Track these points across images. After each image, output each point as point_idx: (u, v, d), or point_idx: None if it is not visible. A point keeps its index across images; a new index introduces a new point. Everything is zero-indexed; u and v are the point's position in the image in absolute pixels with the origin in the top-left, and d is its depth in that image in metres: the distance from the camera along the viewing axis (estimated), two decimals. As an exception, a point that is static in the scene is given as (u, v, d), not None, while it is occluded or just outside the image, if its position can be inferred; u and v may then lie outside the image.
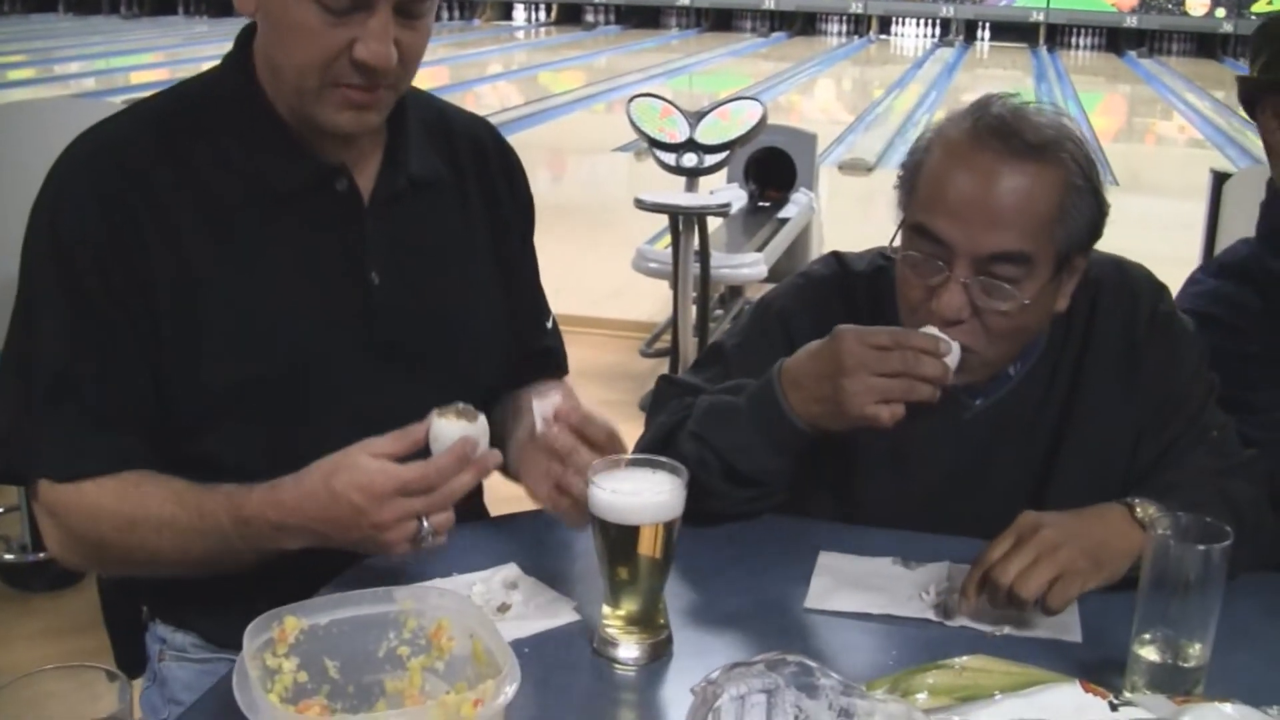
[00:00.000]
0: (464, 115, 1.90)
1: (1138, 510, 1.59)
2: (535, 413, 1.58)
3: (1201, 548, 1.33)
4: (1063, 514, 1.58)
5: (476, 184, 1.83)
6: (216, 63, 1.72)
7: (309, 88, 1.55)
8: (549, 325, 1.97)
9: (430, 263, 1.74)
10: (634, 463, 1.47)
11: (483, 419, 1.48)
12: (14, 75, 17.64)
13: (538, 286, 1.97)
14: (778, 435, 1.66)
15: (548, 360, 1.95)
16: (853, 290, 1.84)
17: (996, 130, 1.62)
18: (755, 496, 1.74)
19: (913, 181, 1.68)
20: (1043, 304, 1.67)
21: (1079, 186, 1.64)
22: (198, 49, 22.09)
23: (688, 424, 1.73)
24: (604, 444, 1.53)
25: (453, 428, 1.46)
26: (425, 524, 1.45)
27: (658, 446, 1.71)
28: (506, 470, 1.71)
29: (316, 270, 1.65)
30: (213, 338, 1.59)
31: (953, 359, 1.58)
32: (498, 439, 1.61)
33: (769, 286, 5.81)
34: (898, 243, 1.70)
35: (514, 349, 1.87)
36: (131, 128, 1.64)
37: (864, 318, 1.67)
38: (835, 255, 1.91)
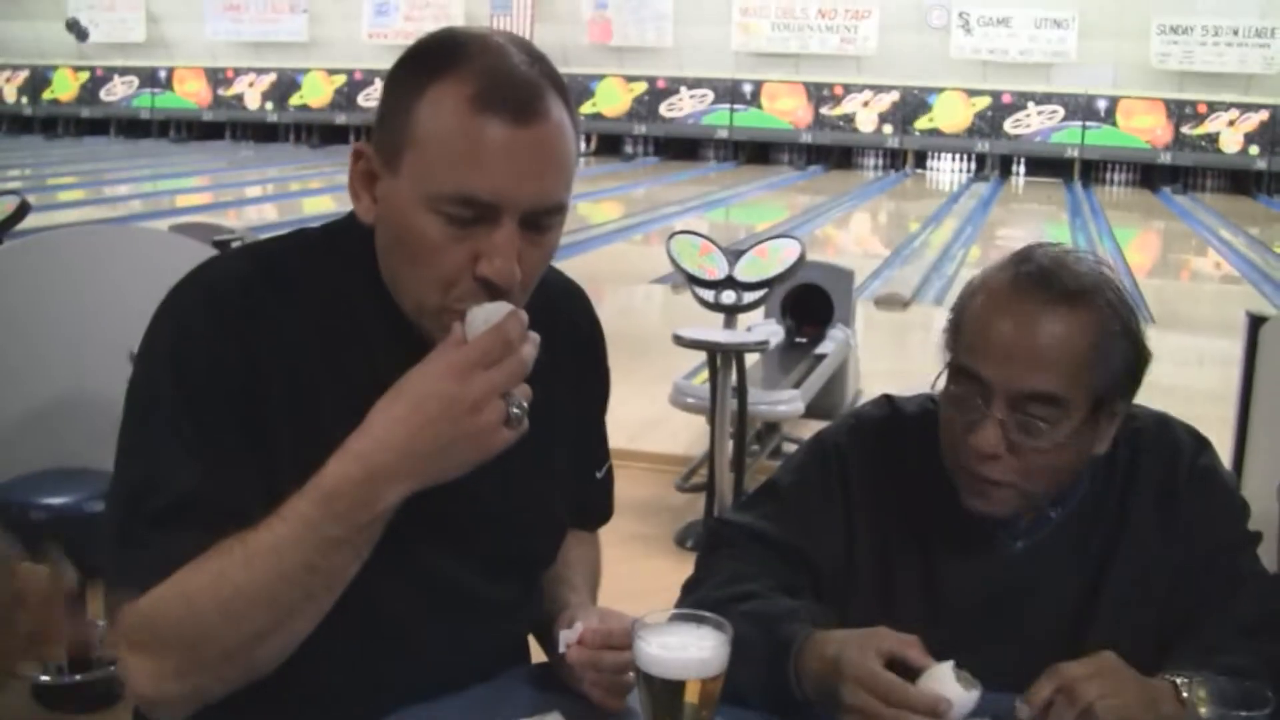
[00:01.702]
0: (563, 291, 1.82)
1: (1183, 692, 1.56)
2: (560, 641, 1.60)
3: (1245, 714, 1.32)
4: (1104, 667, 1.57)
5: (569, 367, 1.76)
6: (328, 218, 1.65)
7: (428, 306, 1.48)
8: (600, 474, 1.89)
9: (518, 444, 1.55)
10: (679, 617, 1.48)
11: (514, 306, 1.44)
12: (65, 196, 17.93)
13: (599, 439, 1.89)
14: (783, 696, 1.64)
15: (586, 514, 1.90)
16: (903, 432, 1.87)
17: (1037, 278, 1.68)
18: None
19: (958, 325, 1.74)
20: (1078, 445, 1.70)
21: (1115, 332, 1.68)
22: (243, 173, 22.50)
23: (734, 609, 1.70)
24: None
25: (496, 308, 1.43)
26: (512, 402, 1.41)
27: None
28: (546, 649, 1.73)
29: None
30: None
31: (957, 713, 1.50)
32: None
33: (807, 423, 5.87)
34: (942, 384, 1.75)
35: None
36: (257, 269, 1.56)
37: (914, 459, 1.76)
38: (887, 398, 1.94)
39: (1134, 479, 1.81)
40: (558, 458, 1.73)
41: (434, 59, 1.47)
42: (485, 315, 1.41)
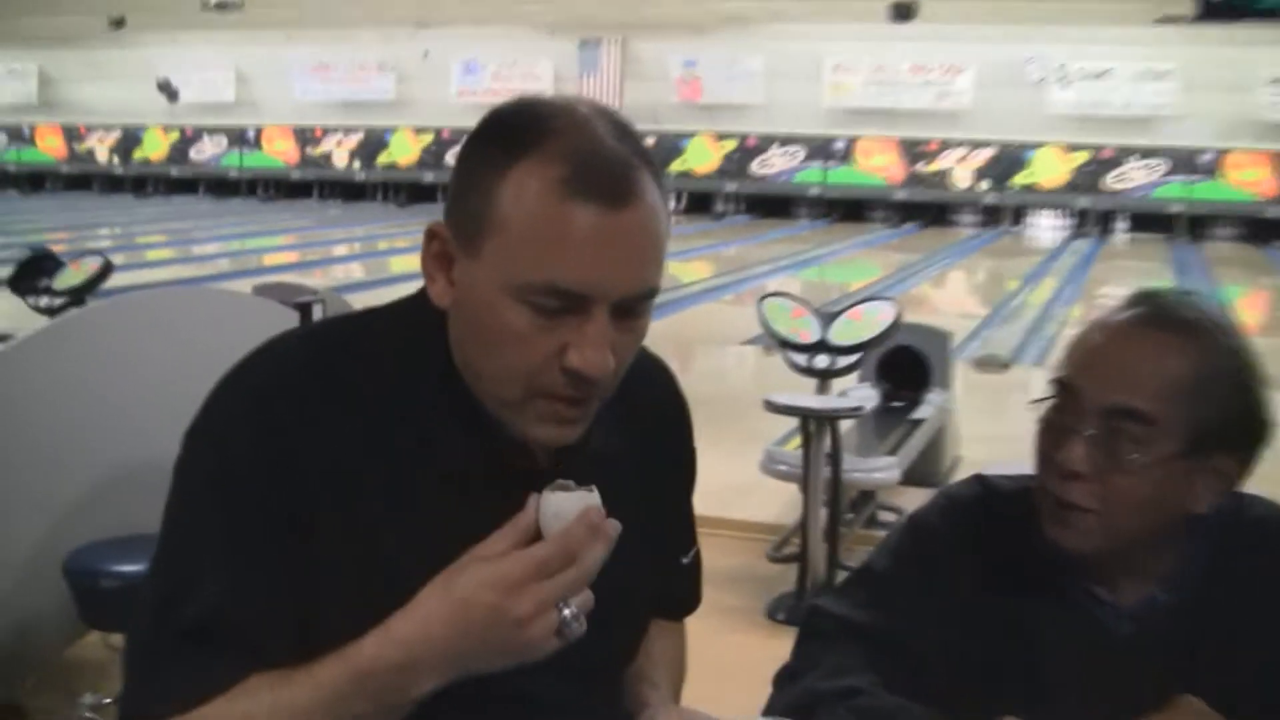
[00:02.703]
0: (649, 372, 1.72)
1: None
2: None
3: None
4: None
5: (652, 450, 1.69)
6: (402, 293, 1.57)
7: (511, 399, 1.43)
8: (686, 560, 1.82)
9: None
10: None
11: (595, 490, 1.39)
12: (154, 255, 18.39)
13: (686, 523, 1.82)
14: None
15: (670, 603, 1.83)
16: (999, 512, 1.82)
17: (1148, 304, 1.69)
18: None
19: (1071, 342, 1.74)
20: (1169, 483, 1.65)
21: (1224, 375, 1.65)
22: (329, 232, 22.89)
23: (839, 706, 1.67)
24: None
25: (571, 500, 1.36)
26: (568, 610, 1.34)
27: (801, 712, 1.67)
28: None
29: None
30: (370, 613, 1.42)
31: None
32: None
33: (904, 490, 5.79)
34: (1043, 400, 1.74)
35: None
36: (313, 365, 1.50)
37: (1011, 540, 1.74)
38: (978, 478, 1.89)
39: (1253, 580, 1.73)
40: (639, 548, 1.63)
41: (517, 135, 1.40)
42: (558, 504, 1.36)
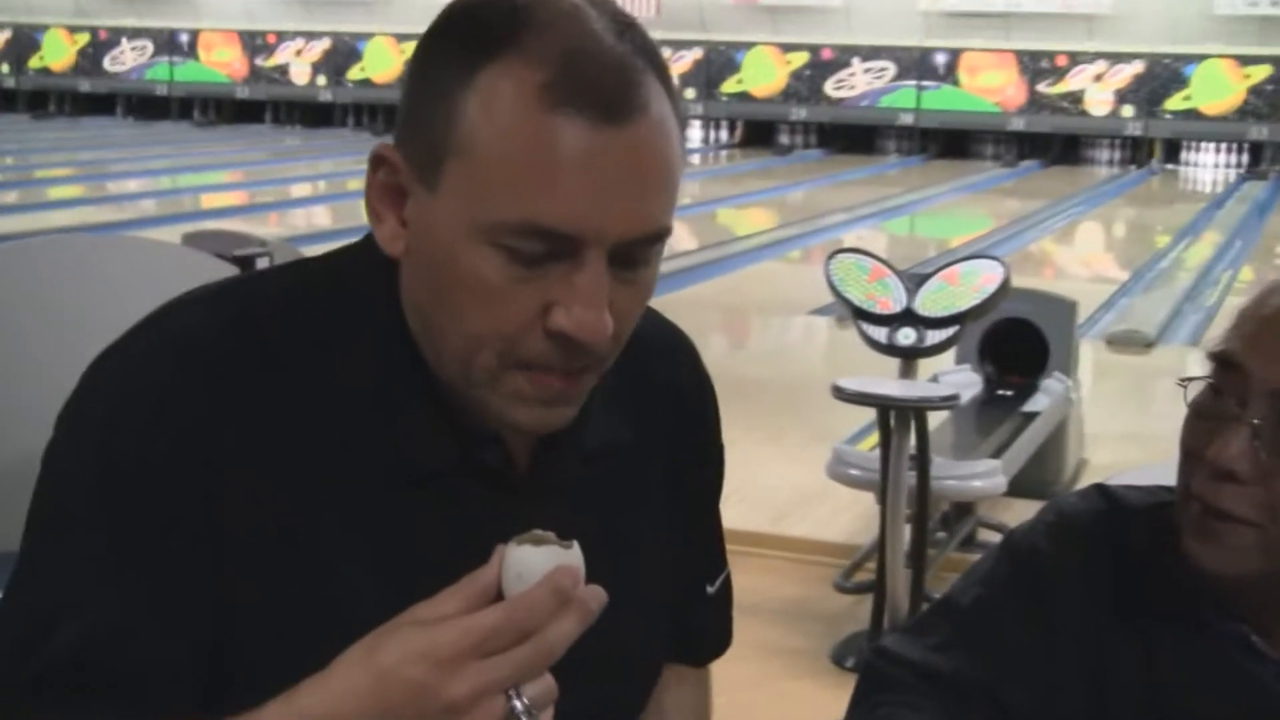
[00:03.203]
0: (663, 349, 1.72)
1: None
2: None
3: None
4: None
5: (662, 444, 1.68)
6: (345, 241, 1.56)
7: (481, 373, 1.40)
8: (712, 589, 1.80)
9: (590, 556, 1.46)
10: None
11: (576, 547, 1.32)
12: (56, 193, 18.41)
13: (711, 541, 1.81)
14: None
15: (691, 644, 1.81)
16: (1124, 533, 1.82)
17: None
18: None
19: (1242, 311, 1.70)
20: None
21: None
22: (287, 167, 22.95)
23: None
24: None
25: (539, 556, 1.30)
26: (519, 701, 1.28)
27: None
28: None
29: (445, 566, 1.40)
30: (308, 654, 1.37)
31: None
32: None
33: (1011, 503, 5.80)
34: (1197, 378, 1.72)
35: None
36: (225, 328, 1.46)
37: (1140, 567, 1.73)
38: (1099, 489, 1.89)
39: None
40: (651, 575, 1.66)
41: (487, 31, 1.36)
42: (524, 561, 1.29)
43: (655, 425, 1.66)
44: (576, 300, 1.34)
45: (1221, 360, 1.67)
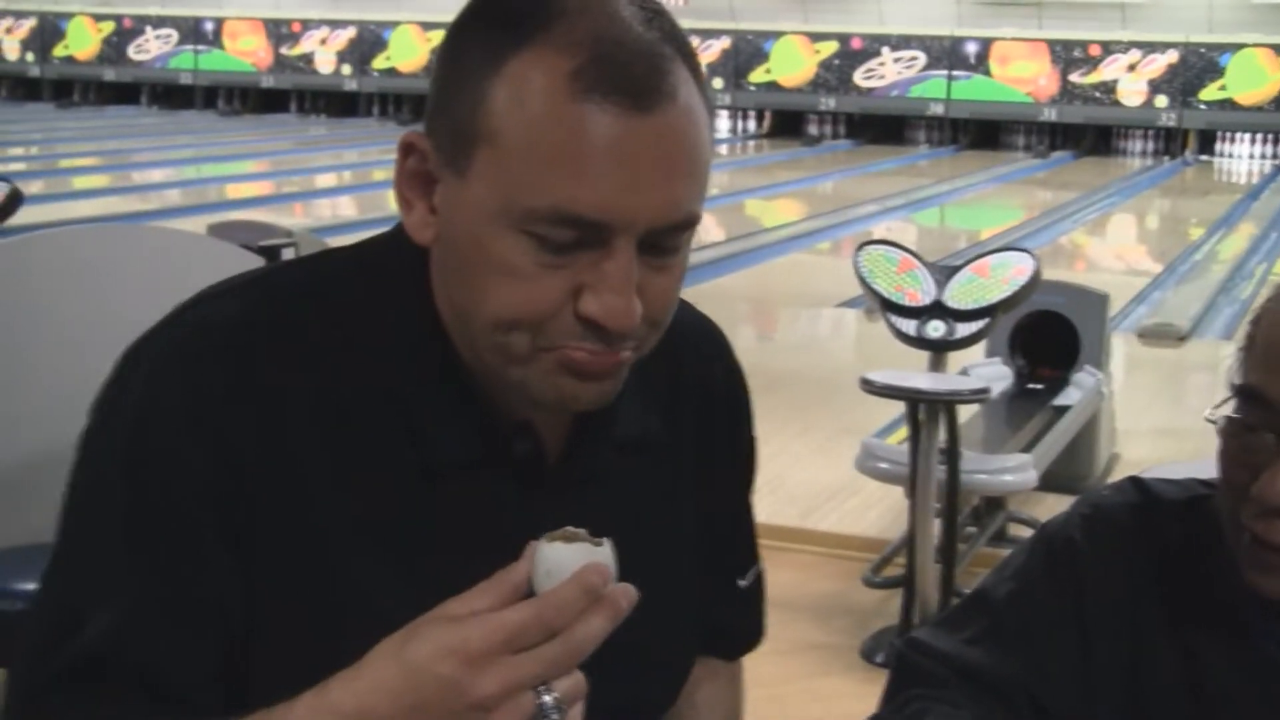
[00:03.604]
0: (697, 342, 1.74)
1: None
2: None
3: None
4: None
5: (694, 438, 1.70)
6: (376, 230, 1.58)
7: (516, 351, 1.41)
8: (744, 583, 1.82)
9: (622, 552, 1.49)
10: None
11: (608, 544, 1.33)
12: (81, 182, 18.45)
13: (742, 534, 1.83)
14: None
15: (724, 638, 1.83)
16: (1160, 527, 1.82)
17: None
18: None
19: (1252, 337, 1.68)
20: None
21: None
22: (312, 157, 22.95)
23: None
24: None
25: (570, 554, 1.31)
26: (548, 696, 1.29)
27: None
28: None
29: (474, 565, 1.41)
30: (334, 658, 1.39)
31: None
32: None
33: (1043, 498, 5.78)
34: (1224, 411, 1.68)
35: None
36: (256, 322, 1.49)
37: (1176, 561, 1.72)
38: (1134, 481, 1.88)
39: None
40: (681, 569, 1.67)
41: (516, 19, 1.38)
42: (554, 559, 1.31)
43: (686, 417, 1.68)
44: (605, 287, 1.36)
45: (1248, 394, 1.66)
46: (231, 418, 1.43)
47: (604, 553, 1.32)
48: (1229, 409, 1.68)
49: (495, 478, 1.51)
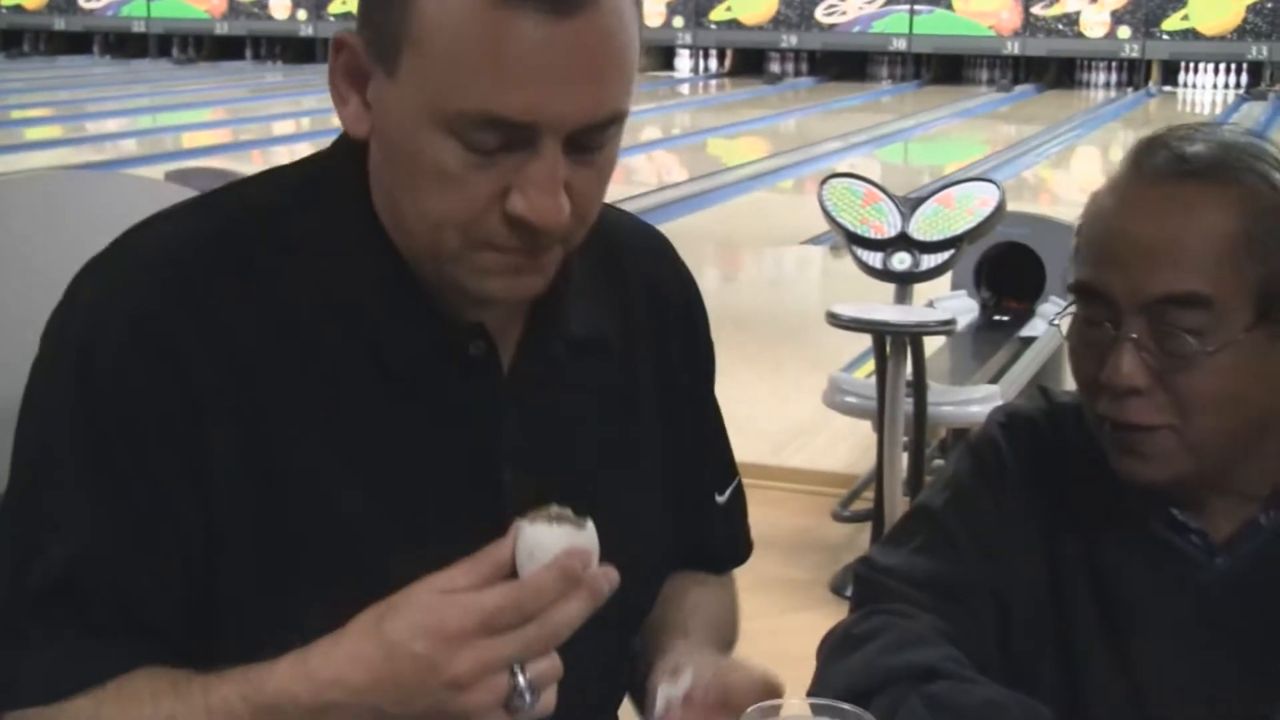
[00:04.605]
0: (640, 246, 1.79)
1: None
2: (659, 700, 1.54)
3: None
4: None
5: (648, 342, 1.73)
6: (316, 146, 1.63)
7: (446, 248, 1.45)
8: (722, 498, 1.85)
9: (582, 454, 1.62)
10: (816, 709, 1.43)
11: (590, 526, 1.36)
12: (34, 134, 18.29)
13: (715, 449, 1.86)
14: None
15: (707, 554, 1.86)
16: (1062, 429, 1.89)
17: (1162, 162, 1.71)
18: None
19: (1079, 237, 1.77)
20: (1248, 368, 1.69)
21: (1275, 211, 1.69)
22: (268, 104, 22.83)
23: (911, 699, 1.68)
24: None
25: (551, 535, 1.34)
26: (522, 677, 1.33)
27: (860, 695, 1.65)
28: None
29: (435, 468, 1.54)
30: (298, 567, 1.48)
31: None
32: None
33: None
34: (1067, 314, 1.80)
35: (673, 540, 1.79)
36: (201, 240, 1.51)
37: (1077, 458, 1.81)
38: (1042, 390, 1.98)
39: None
40: (644, 470, 1.71)
41: None
42: (536, 540, 1.34)
43: (639, 322, 1.71)
44: (532, 187, 1.39)
45: (1082, 290, 1.74)
46: (176, 335, 1.45)
47: (586, 535, 1.36)
48: (1067, 309, 1.79)
49: (451, 379, 1.54)
